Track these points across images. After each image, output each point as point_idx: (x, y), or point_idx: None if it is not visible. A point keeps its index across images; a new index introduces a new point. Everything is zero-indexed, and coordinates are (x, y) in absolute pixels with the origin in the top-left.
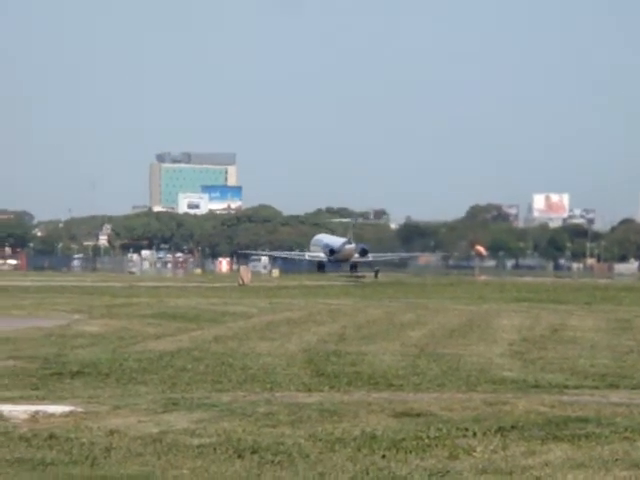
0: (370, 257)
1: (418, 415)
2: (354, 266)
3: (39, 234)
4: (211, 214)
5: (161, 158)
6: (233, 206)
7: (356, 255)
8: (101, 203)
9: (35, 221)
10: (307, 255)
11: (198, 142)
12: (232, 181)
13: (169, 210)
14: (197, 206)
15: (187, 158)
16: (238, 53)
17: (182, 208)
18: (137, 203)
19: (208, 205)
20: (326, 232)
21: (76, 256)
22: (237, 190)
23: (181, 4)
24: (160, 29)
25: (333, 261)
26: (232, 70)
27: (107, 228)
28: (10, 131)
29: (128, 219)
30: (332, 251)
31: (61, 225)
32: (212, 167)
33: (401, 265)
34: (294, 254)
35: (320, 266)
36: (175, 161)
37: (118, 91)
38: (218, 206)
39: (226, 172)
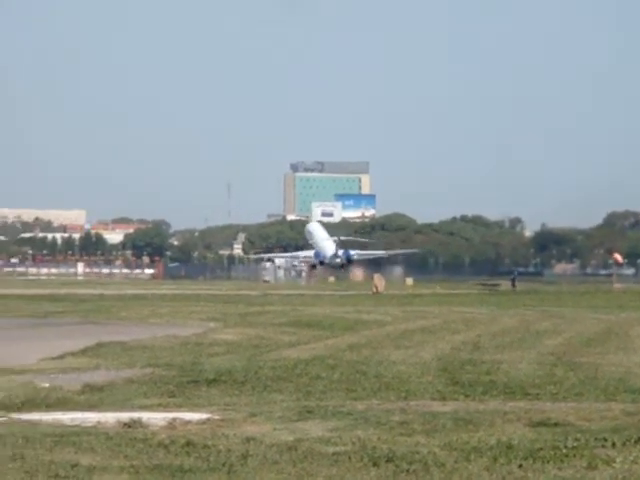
0: (355, 256)
1: (555, 425)
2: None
3: (175, 243)
4: (344, 222)
5: (295, 167)
6: (367, 214)
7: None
8: (236, 212)
9: (172, 230)
10: (302, 256)
11: (331, 151)
12: (366, 189)
13: (303, 219)
14: (331, 214)
15: (320, 167)
16: (372, 62)
17: (316, 216)
18: (272, 212)
19: (342, 213)
20: (460, 240)
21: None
22: (371, 198)
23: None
24: (293, 43)
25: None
26: (365, 79)
27: (242, 237)
28: (150, 144)
29: (262, 228)
30: (322, 262)
31: (197, 234)
32: (345, 176)
33: (537, 274)
34: (290, 255)
35: (312, 267)
36: (309, 170)
37: (253, 102)
38: (352, 214)
39: (360, 180)
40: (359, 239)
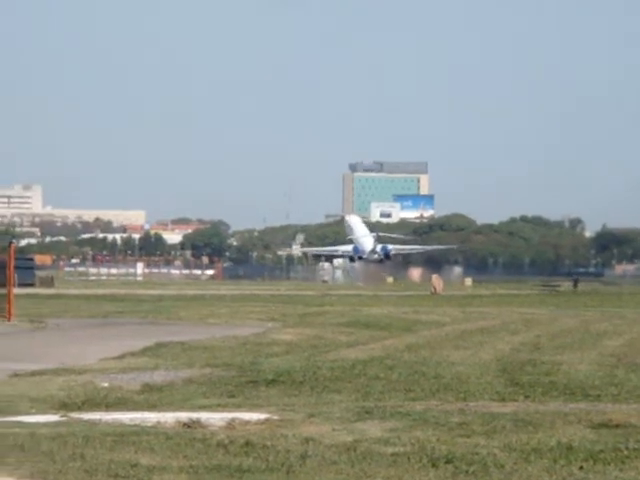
0: (393, 251)
1: (617, 426)
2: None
3: (235, 243)
4: (403, 223)
5: (354, 167)
6: (425, 215)
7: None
8: (295, 213)
9: (231, 230)
10: (341, 250)
11: (390, 151)
12: (424, 190)
13: (362, 219)
14: (389, 215)
15: (379, 167)
16: (430, 61)
17: (374, 217)
18: (330, 212)
19: (400, 214)
20: (520, 240)
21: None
22: (429, 199)
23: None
24: (349, 44)
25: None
26: (423, 78)
27: (300, 237)
28: (209, 145)
29: (321, 228)
30: (360, 257)
31: (256, 234)
32: (404, 176)
33: (598, 274)
34: (329, 249)
35: (351, 259)
36: (367, 170)
37: (312, 102)
38: (410, 215)
39: (418, 181)
40: (396, 235)
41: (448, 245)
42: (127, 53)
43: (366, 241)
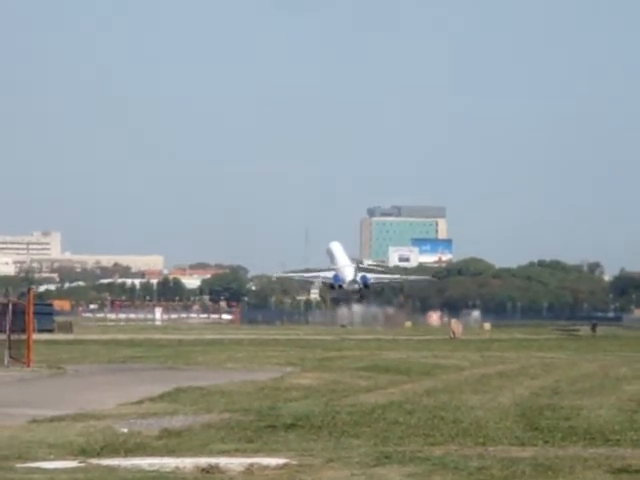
0: (372, 279)
1: (636, 472)
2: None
3: (253, 288)
4: (421, 267)
5: (372, 212)
6: (444, 259)
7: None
8: (313, 257)
9: (249, 275)
10: (321, 276)
11: (408, 195)
12: (442, 234)
13: (380, 263)
14: (407, 259)
15: (397, 211)
16: (448, 106)
17: (393, 261)
18: (348, 256)
19: (418, 258)
20: (538, 285)
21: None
22: (447, 243)
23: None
24: (368, 87)
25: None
26: (440, 123)
27: (319, 282)
28: (226, 190)
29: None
30: (340, 286)
31: (274, 279)
32: (422, 220)
33: (616, 319)
34: (310, 275)
35: (331, 287)
36: (385, 215)
37: (330, 147)
38: (429, 259)
39: (436, 225)
40: (377, 265)
41: (466, 289)
42: (141, 105)
43: (347, 271)
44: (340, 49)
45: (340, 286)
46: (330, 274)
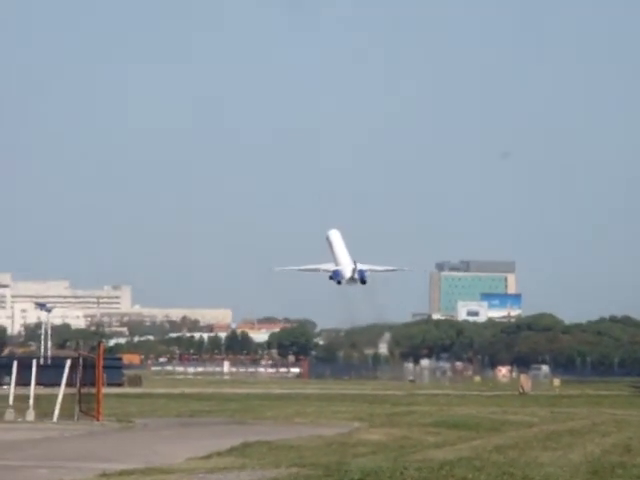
0: (367, 272)
1: None
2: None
3: (321, 342)
4: (490, 322)
5: (440, 266)
6: (513, 314)
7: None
8: (382, 311)
9: (317, 329)
10: (322, 269)
11: (477, 250)
12: (512, 289)
13: (448, 318)
14: (476, 314)
15: (466, 266)
16: (517, 165)
17: (461, 316)
18: (417, 311)
19: (487, 313)
20: (609, 340)
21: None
22: (517, 298)
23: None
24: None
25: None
26: (507, 180)
27: (387, 336)
28: (296, 244)
29: (408, 327)
30: (339, 282)
31: (342, 333)
32: (491, 275)
33: None
34: (310, 267)
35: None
36: (454, 269)
37: (400, 201)
38: (498, 314)
39: (506, 280)
40: (376, 267)
41: (534, 344)
42: (204, 167)
43: (346, 269)
44: (412, 118)
45: (339, 282)
46: (330, 267)
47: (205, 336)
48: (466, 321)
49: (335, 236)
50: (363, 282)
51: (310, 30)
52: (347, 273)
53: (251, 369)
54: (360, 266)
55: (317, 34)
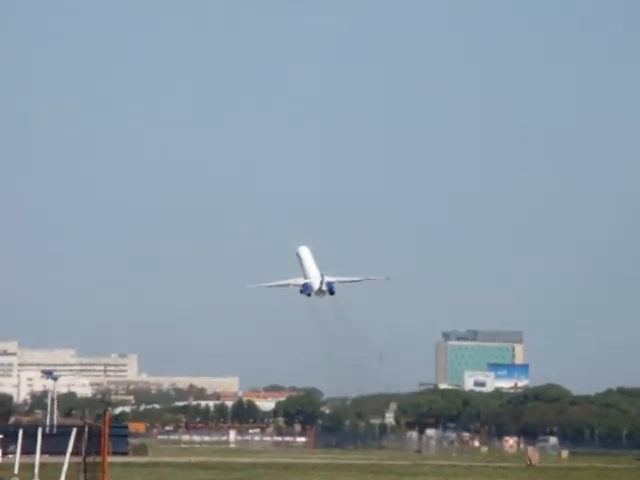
0: (335, 283)
1: None
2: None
3: (327, 411)
4: (497, 392)
5: (447, 336)
6: (520, 384)
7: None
8: (388, 380)
9: (324, 398)
10: (292, 283)
11: (484, 320)
12: (519, 359)
13: (455, 388)
14: (483, 384)
15: (473, 336)
16: (520, 237)
17: (468, 386)
18: (423, 380)
19: (494, 383)
20: (617, 412)
21: None
22: (524, 368)
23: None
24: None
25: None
26: (512, 251)
27: (393, 406)
28: (298, 321)
29: (414, 396)
30: (309, 294)
31: (348, 402)
32: (498, 345)
33: None
34: (279, 283)
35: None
36: (461, 338)
37: (406, 270)
38: (505, 384)
39: (513, 350)
40: (343, 278)
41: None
42: (225, 243)
43: (314, 281)
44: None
45: (309, 294)
46: (300, 281)
47: (211, 404)
48: (473, 391)
49: (305, 252)
50: (332, 293)
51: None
52: (316, 285)
53: (257, 438)
54: (328, 278)
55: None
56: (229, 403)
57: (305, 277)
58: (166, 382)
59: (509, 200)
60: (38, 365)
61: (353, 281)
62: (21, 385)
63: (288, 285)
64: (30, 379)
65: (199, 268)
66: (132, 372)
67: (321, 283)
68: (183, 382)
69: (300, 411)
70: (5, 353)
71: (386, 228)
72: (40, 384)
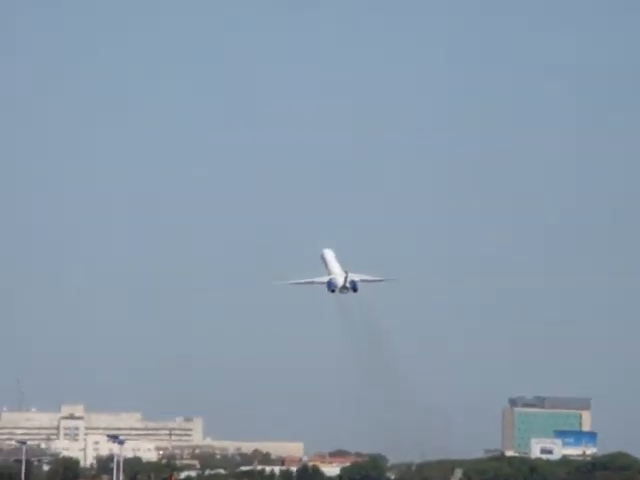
0: (359, 282)
1: None
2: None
3: (392, 477)
4: (565, 460)
5: (514, 402)
6: (588, 452)
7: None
8: (453, 446)
9: (389, 464)
10: (318, 281)
11: (551, 386)
12: (587, 426)
13: (521, 455)
14: (550, 451)
15: (540, 402)
16: (587, 299)
17: (535, 453)
18: (489, 447)
19: (562, 450)
20: None
21: None
22: (592, 436)
23: None
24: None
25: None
26: (584, 314)
27: (459, 472)
28: (361, 386)
29: (479, 463)
30: (333, 290)
31: (414, 468)
32: (566, 411)
33: None
34: (306, 280)
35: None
36: (528, 405)
37: (469, 334)
38: (572, 452)
39: (580, 417)
40: (365, 277)
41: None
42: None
43: (338, 279)
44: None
45: (333, 290)
46: (324, 279)
47: (277, 469)
48: (540, 459)
49: (329, 254)
50: (355, 290)
51: None
52: (340, 281)
53: None
54: (352, 276)
55: None
56: (294, 468)
57: (329, 275)
58: (231, 446)
59: (583, 272)
60: (104, 429)
61: (376, 280)
62: (87, 449)
63: (313, 282)
64: (96, 443)
65: (267, 332)
66: (197, 436)
67: (345, 280)
68: (248, 447)
69: (365, 476)
70: (72, 417)
71: (446, 293)
72: (106, 448)
